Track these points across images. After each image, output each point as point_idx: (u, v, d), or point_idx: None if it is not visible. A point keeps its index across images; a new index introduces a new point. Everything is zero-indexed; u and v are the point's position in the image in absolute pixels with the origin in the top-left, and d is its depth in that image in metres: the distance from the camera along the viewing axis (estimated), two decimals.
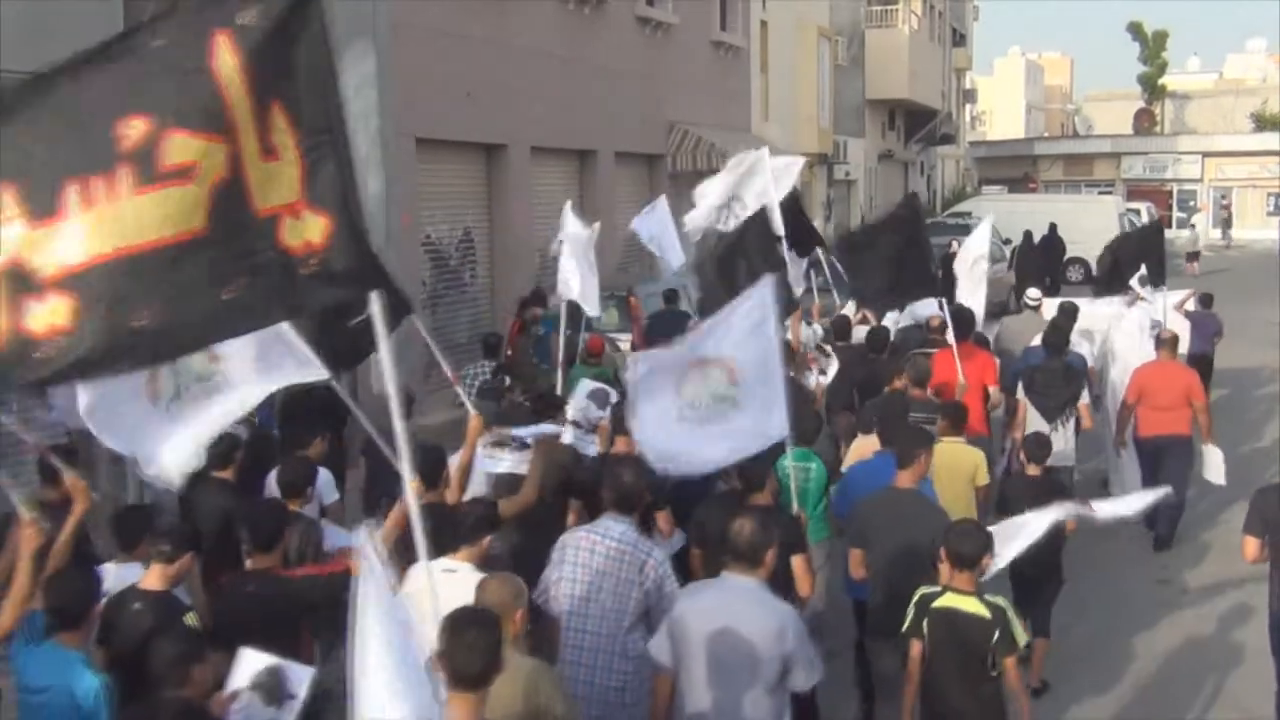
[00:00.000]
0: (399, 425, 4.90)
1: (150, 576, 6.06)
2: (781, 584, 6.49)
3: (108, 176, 4.28)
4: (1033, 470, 9.07)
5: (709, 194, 14.83)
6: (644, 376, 7.74)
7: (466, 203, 19.48)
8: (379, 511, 7.07)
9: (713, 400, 7.65)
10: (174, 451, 6.66)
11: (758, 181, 14.06)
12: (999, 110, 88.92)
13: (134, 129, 4.28)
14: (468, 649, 4.24)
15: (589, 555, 6.34)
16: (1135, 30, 77.45)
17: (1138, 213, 43.18)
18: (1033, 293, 16.24)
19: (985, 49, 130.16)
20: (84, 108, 4.36)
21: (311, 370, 7.10)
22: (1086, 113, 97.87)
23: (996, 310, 14.74)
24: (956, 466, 8.38)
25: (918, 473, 7.63)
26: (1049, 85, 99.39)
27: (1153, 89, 78.01)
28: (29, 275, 4.28)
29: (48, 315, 4.28)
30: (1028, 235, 25.39)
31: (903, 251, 11.45)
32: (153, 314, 4.34)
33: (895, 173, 50.79)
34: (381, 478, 8.37)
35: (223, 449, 7.68)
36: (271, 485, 7.94)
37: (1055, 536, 7.88)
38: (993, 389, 11.44)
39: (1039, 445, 9.15)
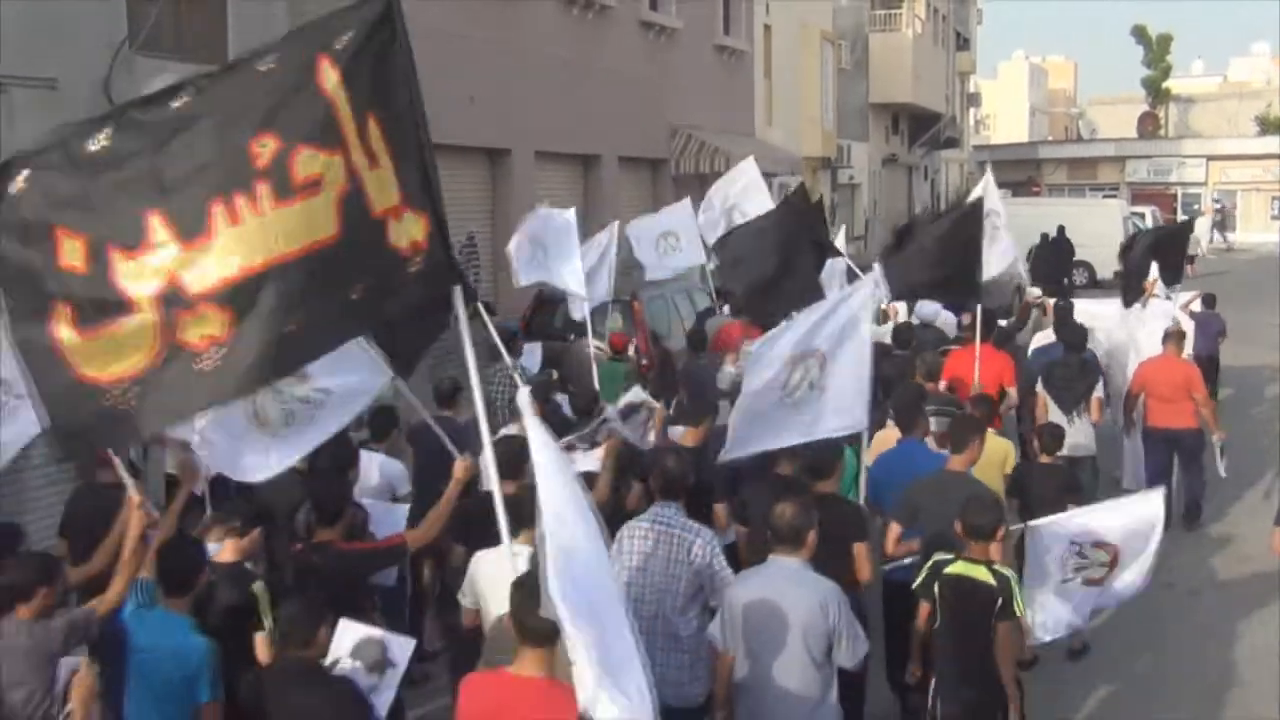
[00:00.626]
0: (483, 420, 5.47)
1: (225, 551, 6.56)
2: (843, 570, 6.82)
3: (249, 193, 4.66)
4: (1045, 459, 9.46)
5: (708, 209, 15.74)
6: (755, 359, 8.66)
7: (470, 208, 19.48)
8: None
9: (809, 388, 8.44)
10: (277, 465, 7.25)
11: (752, 192, 14.99)
12: (1003, 114, 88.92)
13: (265, 147, 4.68)
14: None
15: (641, 542, 6.65)
16: (1139, 34, 77.47)
17: (1142, 216, 43.13)
18: (1034, 291, 16.75)
19: (989, 53, 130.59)
20: (215, 131, 4.70)
21: (382, 376, 7.48)
22: (1090, 116, 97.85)
23: (1001, 313, 14.95)
24: (989, 454, 8.70)
25: (970, 458, 8.07)
26: (1053, 89, 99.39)
27: (1157, 92, 78.01)
28: (183, 291, 4.65)
29: (200, 326, 4.67)
30: (1045, 237, 25.63)
31: (946, 250, 11.67)
32: (298, 321, 4.75)
33: (899, 177, 50.81)
34: (431, 466, 8.66)
35: None
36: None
37: None
38: (1011, 390, 11.87)
39: (1053, 436, 9.60)
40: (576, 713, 4.22)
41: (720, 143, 26.22)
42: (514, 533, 5.81)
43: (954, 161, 62.77)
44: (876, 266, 12.19)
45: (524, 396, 4.81)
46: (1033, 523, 7.88)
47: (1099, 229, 36.08)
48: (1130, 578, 7.81)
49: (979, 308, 11.90)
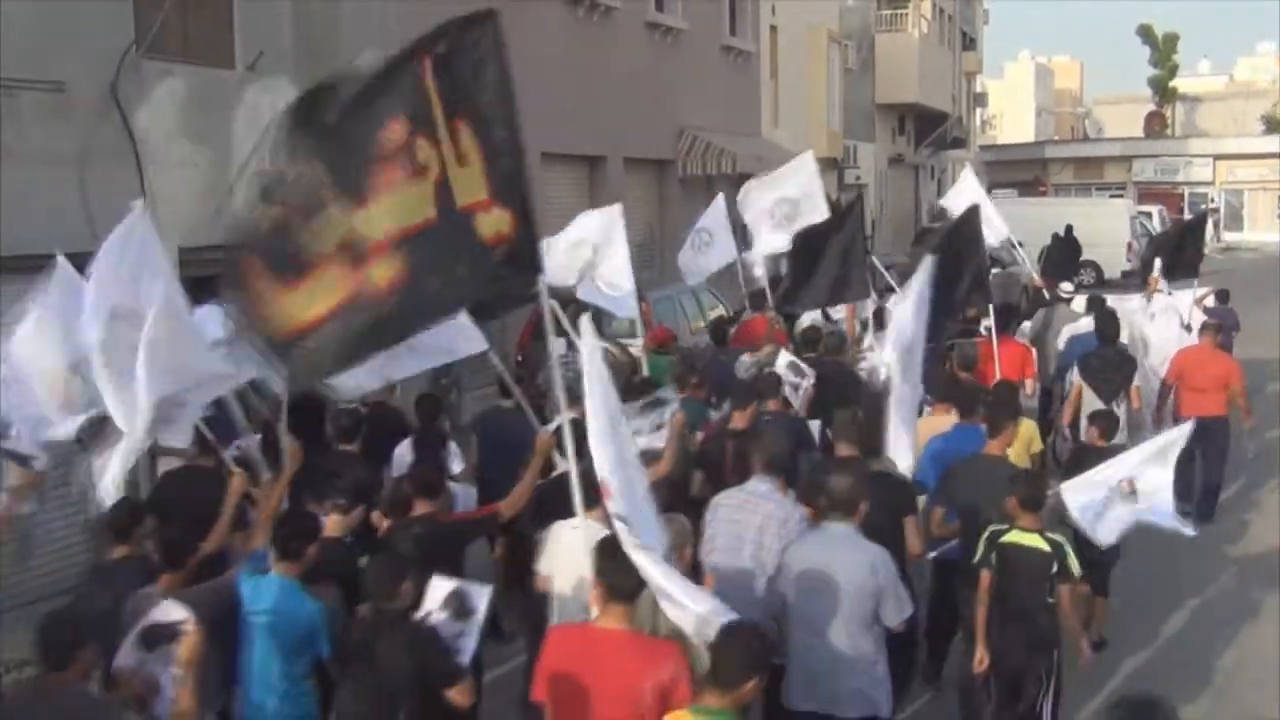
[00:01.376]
0: (562, 400, 6.11)
1: (330, 525, 7.20)
2: (894, 543, 7.11)
3: (389, 169, 5.34)
4: (1100, 443, 9.79)
5: (755, 202, 15.85)
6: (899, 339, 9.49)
7: None
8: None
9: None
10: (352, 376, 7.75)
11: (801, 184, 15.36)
12: (1009, 114, 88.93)
13: (394, 132, 5.35)
14: (623, 569, 5.22)
15: (738, 511, 7.10)
16: (1145, 33, 77.40)
17: (1149, 216, 43.13)
18: (1066, 286, 17.34)
19: (995, 53, 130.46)
20: (361, 117, 5.39)
21: (476, 344, 8.86)
22: (1097, 116, 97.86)
23: (1010, 311, 15.38)
24: (1019, 436, 9.28)
25: (1005, 441, 8.63)
26: (1059, 89, 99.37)
27: (1163, 92, 77.98)
28: (359, 244, 5.40)
29: (382, 270, 5.40)
30: (1056, 236, 25.82)
31: (962, 256, 11.90)
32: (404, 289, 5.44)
33: (905, 177, 50.80)
34: (495, 451, 9.55)
35: (347, 424, 9.04)
36: (402, 454, 9.38)
37: None
38: (1029, 380, 12.53)
39: (1109, 421, 10.09)
40: (655, 660, 5.14)
41: (726, 144, 26.22)
42: (588, 506, 6.19)
43: (960, 161, 62.71)
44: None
45: (586, 322, 5.43)
46: (1064, 485, 8.41)
47: (1106, 229, 36.12)
48: (1160, 491, 8.36)
49: (990, 305, 12.47)
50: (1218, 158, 63.53)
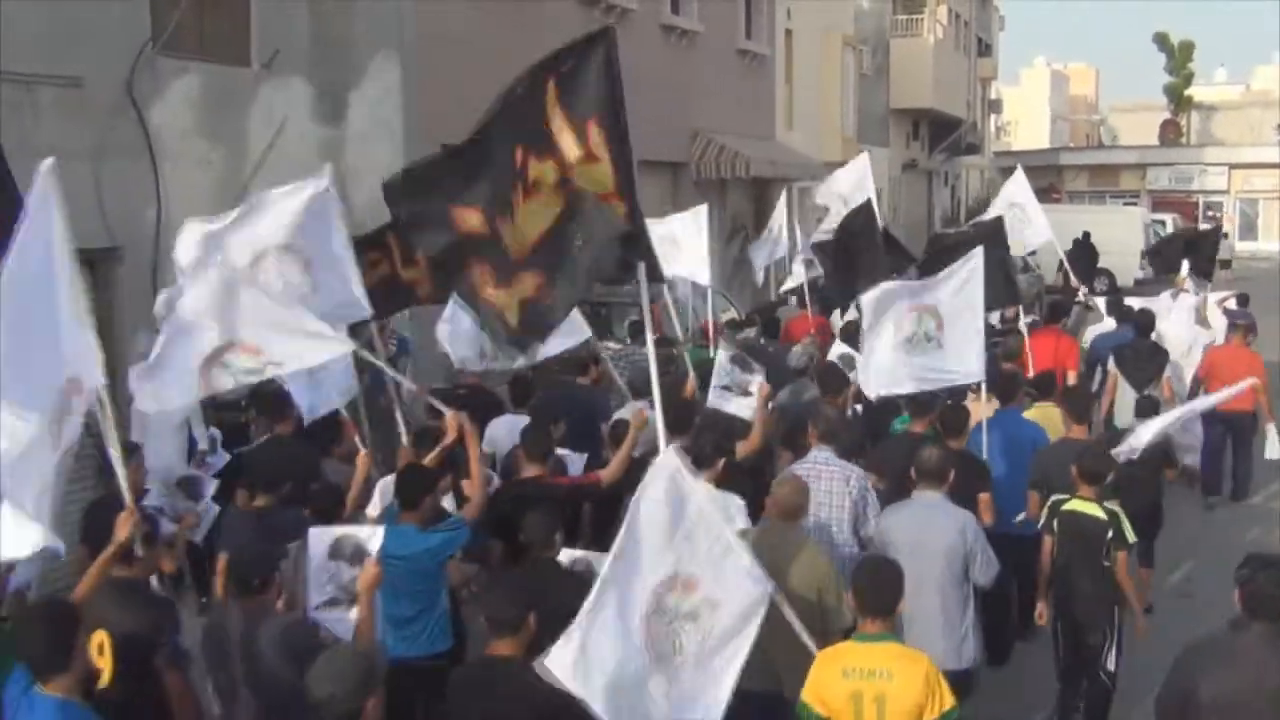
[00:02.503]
0: (654, 378, 6.62)
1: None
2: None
3: (527, 186, 6.27)
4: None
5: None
6: (873, 309, 10.13)
7: None
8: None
9: (924, 338, 9.92)
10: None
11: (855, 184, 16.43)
12: (1024, 120, 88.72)
13: (519, 152, 6.29)
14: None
15: (807, 479, 7.65)
16: (1161, 41, 77.26)
17: (1163, 224, 43.00)
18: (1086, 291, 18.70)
19: (1011, 58, 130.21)
20: (502, 138, 6.39)
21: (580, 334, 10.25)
22: (1112, 123, 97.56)
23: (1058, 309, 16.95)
24: (1056, 421, 10.13)
25: (1086, 427, 9.77)
26: (1074, 95, 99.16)
27: (1179, 100, 77.79)
28: (505, 253, 6.41)
29: (523, 289, 6.42)
30: (1076, 241, 26.03)
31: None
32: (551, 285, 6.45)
33: (919, 182, 50.72)
34: (579, 433, 10.13)
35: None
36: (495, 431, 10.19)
37: (1155, 484, 10.54)
38: (1071, 371, 13.49)
39: (1150, 404, 11.29)
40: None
41: (740, 147, 26.20)
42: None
43: (974, 168, 62.61)
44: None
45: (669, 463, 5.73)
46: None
47: (1120, 236, 36.00)
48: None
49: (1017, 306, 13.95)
50: (1233, 167, 63.36)
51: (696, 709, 5.52)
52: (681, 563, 5.54)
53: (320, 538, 6.56)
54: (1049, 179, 62.95)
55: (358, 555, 6.45)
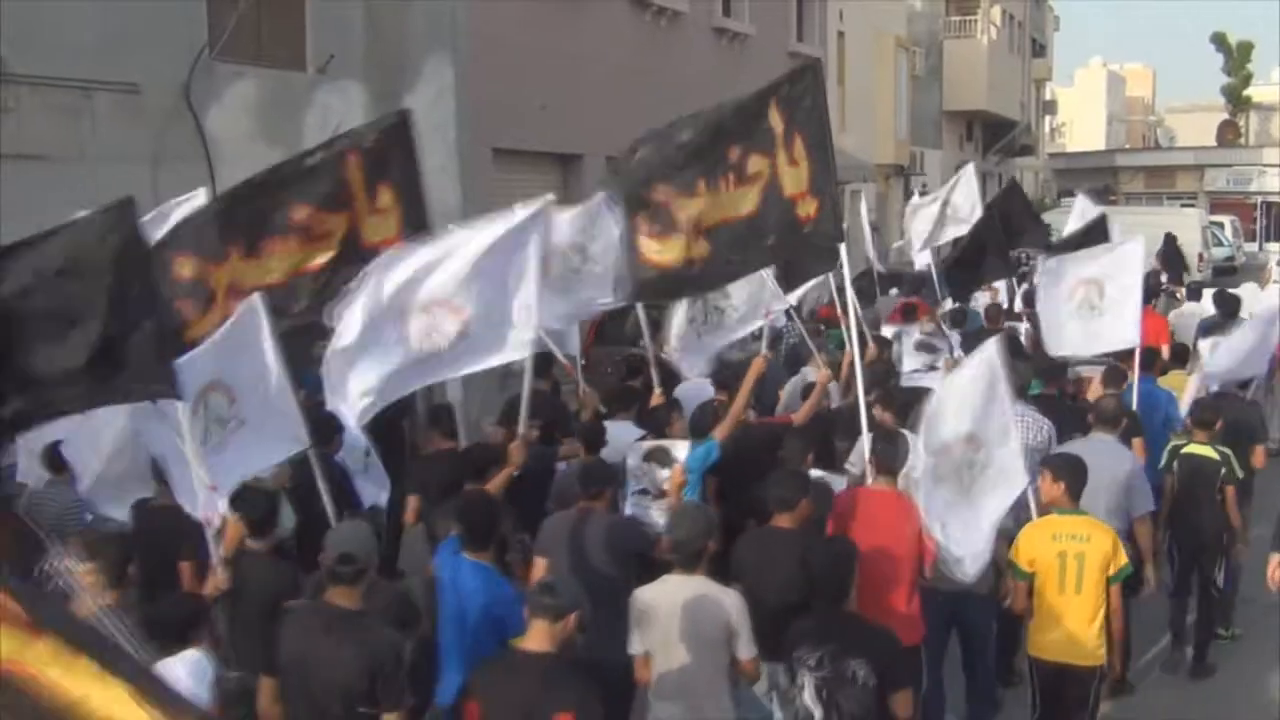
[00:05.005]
0: (856, 350, 8.80)
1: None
2: None
3: (725, 176, 8.04)
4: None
5: (920, 208, 19.01)
6: (1050, 272, 12.10)
7: None
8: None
9: (1089, 309, 11.43)
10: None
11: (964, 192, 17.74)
12: (1079, 121, 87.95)
13: (735, 151, 8.04)
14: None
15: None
16: (1219, 41, 76.32)
17: (1221, 226, 42.47)
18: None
19: (1066, 59, 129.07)
20: (710, 133, 8.19)
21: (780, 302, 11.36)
22: (1169, 124, 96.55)
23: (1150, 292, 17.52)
24: (1175, 383, 11.90)
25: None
26: (1130, 96, 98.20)
27: (1237, 100, 76.82)
28: (687, 223, 8.11)
29: (683, 250, 8.17)
30: (1166, 238, 26.28)
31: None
32: (737, 254, 8.27)
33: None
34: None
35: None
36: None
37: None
38: (1164, 346, 13.66)
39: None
40: (912, 512, 7.15)
41: None
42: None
43: (1029, 169, 62.09)
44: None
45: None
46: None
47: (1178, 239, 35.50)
48: None
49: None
50: None
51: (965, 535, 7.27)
52: (977, 424, 7.39)
53: (637, 447, 8.60)
54: (1104, 180, 62.32)
55: (666, 459, 8.36)
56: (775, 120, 7.90)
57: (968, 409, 7.39)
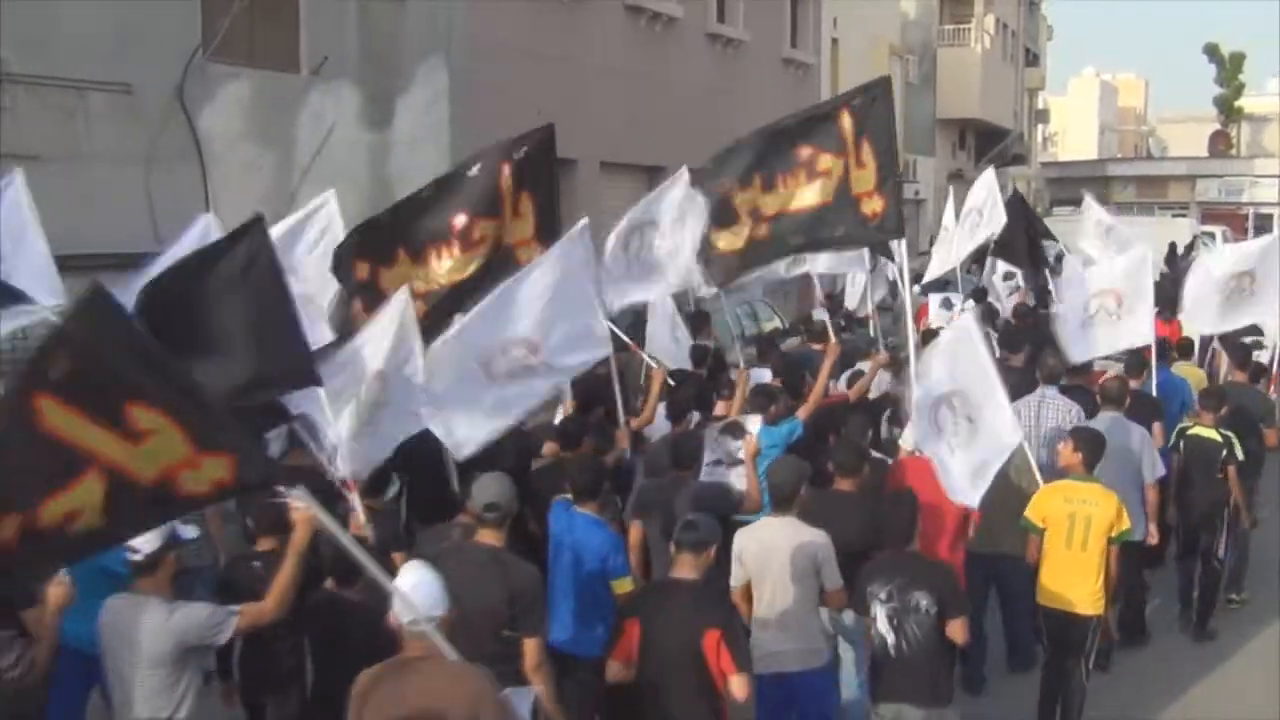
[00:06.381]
0: (912, 335, 9.69)
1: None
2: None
3: (791, 173, 9.27)
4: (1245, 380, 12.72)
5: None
6: (1069, 279, 13.57)
7: None
8: None
9: (1106, 314, 12.59)
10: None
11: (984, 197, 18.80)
12: (1072, 131, 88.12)
13: (804, 150, 9.23)
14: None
15: (1039, 407, 10.31)
16: (1212, 52, 76.44)
17: (1212, 236, 42.54)
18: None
19: (1059, 69, 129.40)
20: (779, 135, 9.46)
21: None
22: (1161, 134, 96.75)
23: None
24: (1193, 377, 12.96)
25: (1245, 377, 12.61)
26: (1123, 106, 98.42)
27: (1229, 111, 76.93)
28: (748, 213, 9.53)
29: (745, 237, 9.61)
30: (1172, 246, 26.48)
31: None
32: (799, 240, 9.54)
33: (965, 192, 50.33)
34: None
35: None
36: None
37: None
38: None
39: (1259, 369, 13.10)
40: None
41: None
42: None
43: (1021, 178, 62.13)
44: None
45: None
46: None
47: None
48: None
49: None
50: None
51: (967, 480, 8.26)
52: (957, 384, 8.44)
53: (714, 424, 9.57)
54: (1096, 190, 62.15)
55: (740, 432, 9.23)
56: (845, 126, 9.00)
57: (948, 371, 8.54)
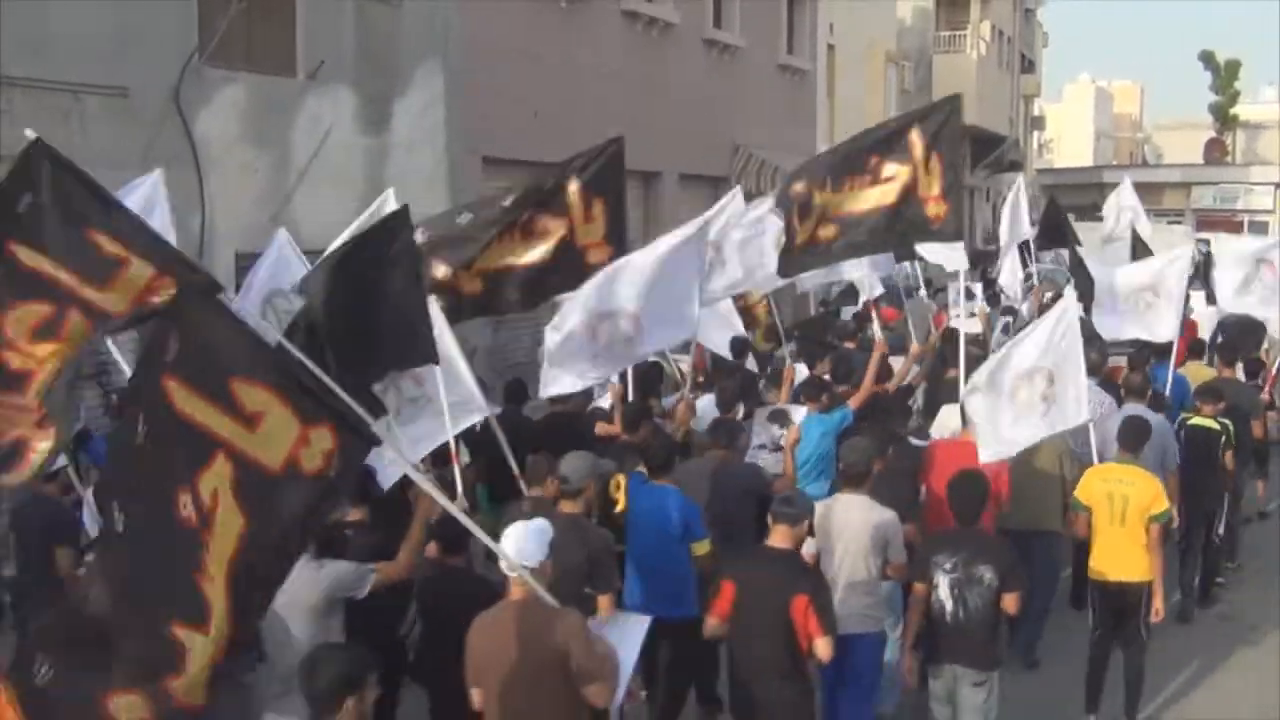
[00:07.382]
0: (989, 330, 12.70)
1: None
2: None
3: (859, 177, 9.90)
4: (1240, 379, 13.54)
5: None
6: (1107, 276, 13.96)
7: None
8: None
9: (1143, 306, 13.52)
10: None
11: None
12: (1067, 137, 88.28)
13: (873, 159, 9.89)
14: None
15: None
16: (1207, 59, 76.57)
17: (1207, 243, 42.57)
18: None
19: (1054, 75, 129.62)
20: (854, 145, 10.40)
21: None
22: (1156, 141, 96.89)
23: None
24: (1198, 374, 13.39)
25: (1234, 371, 13.44)
26: (1118, 113, 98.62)
27: (1224, 118, 77.03)
28: (821, 210, 10.10)
29: (810, 233, 10.20)
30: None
31: None
32: (858, 241, 10.32)
33: (960, 199, 50.39)
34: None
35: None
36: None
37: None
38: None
39: (1258, 365, 14.10)
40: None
41: (781, 161, 26.10)
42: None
43: (1015, 184, 62.17)
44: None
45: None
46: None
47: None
48: None
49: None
50: (1279, 186, 62.58)
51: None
52: (1045, 360, 9.30)
53: (763, 410, 10.75)
54: (1092, 197, 62.20)
55: (785, 420, 10.38)
56: (915, 139, 9.77)
57: (1040, 348, 9.35)
